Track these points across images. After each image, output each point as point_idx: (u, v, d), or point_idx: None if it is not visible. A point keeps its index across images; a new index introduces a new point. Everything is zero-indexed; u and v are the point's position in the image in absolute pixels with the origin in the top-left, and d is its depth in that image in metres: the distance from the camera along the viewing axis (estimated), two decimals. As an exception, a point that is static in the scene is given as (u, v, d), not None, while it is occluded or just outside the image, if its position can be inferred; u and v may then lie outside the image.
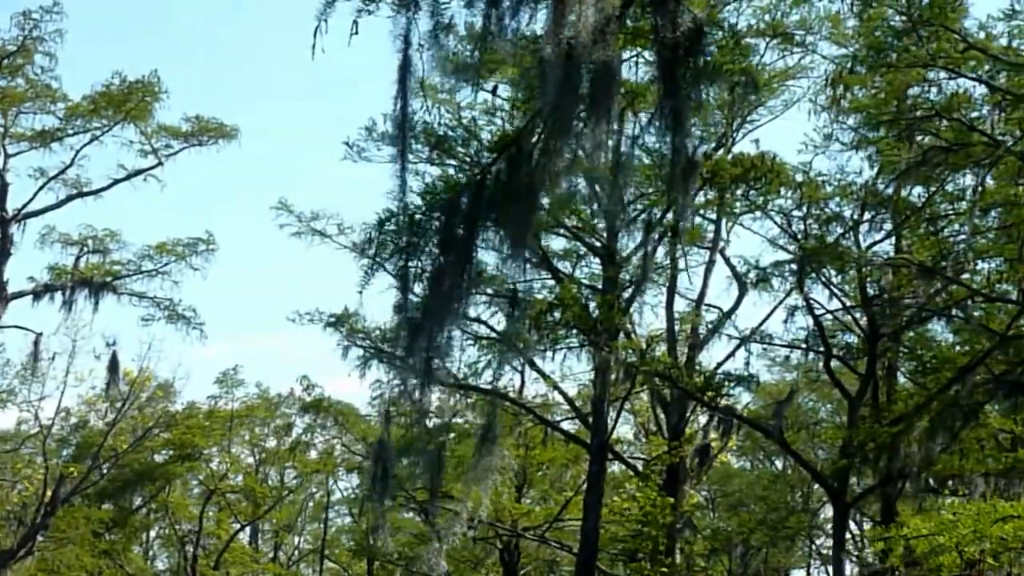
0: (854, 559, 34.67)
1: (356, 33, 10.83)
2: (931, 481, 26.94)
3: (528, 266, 19.33)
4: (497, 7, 10.00)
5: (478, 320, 28.44)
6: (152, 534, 50.53)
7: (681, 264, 30.25)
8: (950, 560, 14.31)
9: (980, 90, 21.59)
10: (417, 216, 11.41)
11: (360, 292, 15.32)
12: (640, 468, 31.78)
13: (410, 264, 11.27)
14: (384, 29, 11.02)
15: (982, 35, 20.66)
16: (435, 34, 10.45)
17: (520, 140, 11.02)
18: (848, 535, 33.99)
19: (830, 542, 41.01)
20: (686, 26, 9.48)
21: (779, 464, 44.76)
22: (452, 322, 11.41)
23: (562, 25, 8.97)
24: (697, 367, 29.11)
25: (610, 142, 10.92)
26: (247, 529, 47.28)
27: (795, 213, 27.01)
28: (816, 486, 38.43)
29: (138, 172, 32.58)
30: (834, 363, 28.03)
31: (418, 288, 11.69)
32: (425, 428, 33.91)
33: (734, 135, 28.98)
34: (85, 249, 33.17)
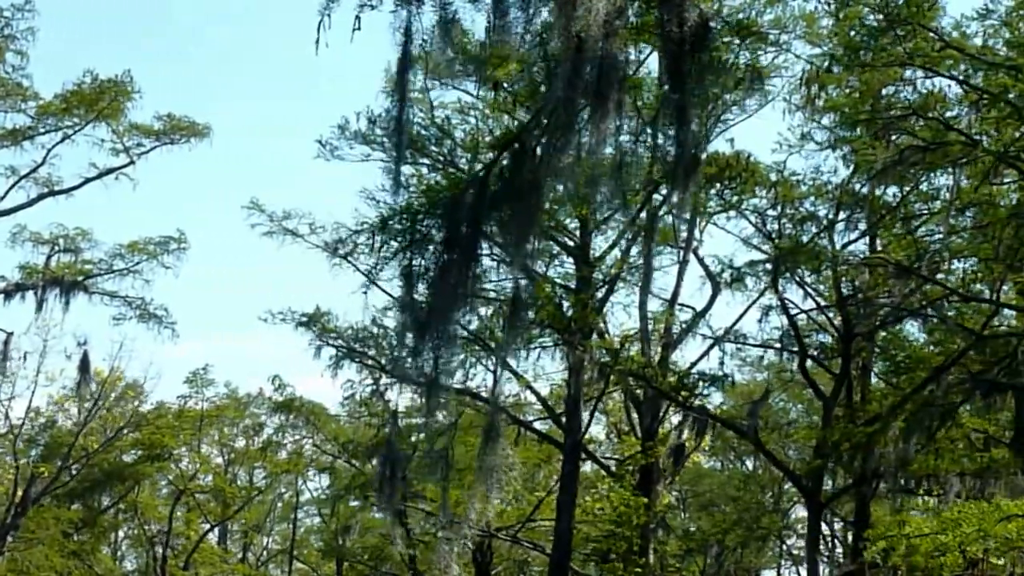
0: (826, 559, 34.59)
1: (359, 29, 10.61)
2: (905, 481, 26.89)
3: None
4: (502, 2, 9.81)
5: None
6: (120, 534, 50.15)
7: (655, 263, 30.21)
8: (952, 560, 14.15)
9: (955, 89, 21.56)
10: (420, 215, 11.23)
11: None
12: (613, 468, 31.62)
13: (414, 263, 11.07)
14: (365, 27, 10.80)
15: (956, 35, 20.62)
16: (444, 27, 10.25)
17: (523, 136, 10.83)
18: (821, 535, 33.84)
19: (802, 542, 41.15)
20: (692, 21, 9.31)
21: (750, 464, 44.70)
22: (458, 320, 11.22)
23: (572, 18, 8.78)
24: (671, 367, 29.03)
25: (613, 138, 10.76)
26: (216, 529, 46.99)
27: (770, 212, 27.05)
28: (787, 486, 38.39)
29: (110, 171, 32.16)
30: (808, 363, 27.94)
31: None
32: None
33: (708, 134, 28.87)
34: (56, 248, 32.71)
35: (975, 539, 13.71)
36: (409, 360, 14.01)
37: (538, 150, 9.97)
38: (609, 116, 9.60)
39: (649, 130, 13.12)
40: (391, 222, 13.12)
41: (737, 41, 26.64)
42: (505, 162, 10.69)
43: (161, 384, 45.25)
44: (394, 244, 13.09)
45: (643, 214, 27.80)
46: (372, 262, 28.02)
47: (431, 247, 11.12)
